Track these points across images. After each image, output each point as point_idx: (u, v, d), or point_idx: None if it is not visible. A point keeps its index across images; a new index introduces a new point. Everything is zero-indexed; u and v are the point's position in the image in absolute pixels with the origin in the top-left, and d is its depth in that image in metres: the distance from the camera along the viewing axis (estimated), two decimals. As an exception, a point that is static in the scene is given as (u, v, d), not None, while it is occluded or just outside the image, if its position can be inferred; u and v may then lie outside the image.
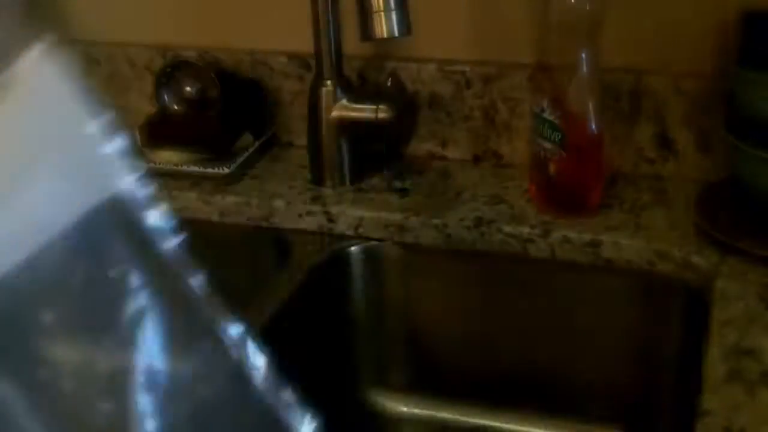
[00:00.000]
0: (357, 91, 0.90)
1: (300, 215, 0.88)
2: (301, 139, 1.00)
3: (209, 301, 0.36)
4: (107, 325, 0.34)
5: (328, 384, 0.86)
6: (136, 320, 0.34)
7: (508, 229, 0.82)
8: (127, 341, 0.34)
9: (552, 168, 0.81)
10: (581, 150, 0.80)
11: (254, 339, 0.36)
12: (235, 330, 0.36)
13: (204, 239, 0.94)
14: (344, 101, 0.87)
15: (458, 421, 0.91)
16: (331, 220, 0.88)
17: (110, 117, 0.34)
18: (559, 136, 0.79)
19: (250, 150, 0.96)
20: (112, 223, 0.34)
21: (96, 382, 0.34)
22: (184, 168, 0.93)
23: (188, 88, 0.96)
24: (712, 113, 0.84)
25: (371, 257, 0.86)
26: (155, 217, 0.35)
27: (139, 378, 0.34)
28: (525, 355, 0.87)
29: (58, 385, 0.33)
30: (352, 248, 0.83)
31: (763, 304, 0.69)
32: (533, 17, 0.79)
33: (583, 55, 0.77)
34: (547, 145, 0.80)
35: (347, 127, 0.88)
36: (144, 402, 0.34)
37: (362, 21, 0.68)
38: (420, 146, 0.96)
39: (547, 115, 0.79)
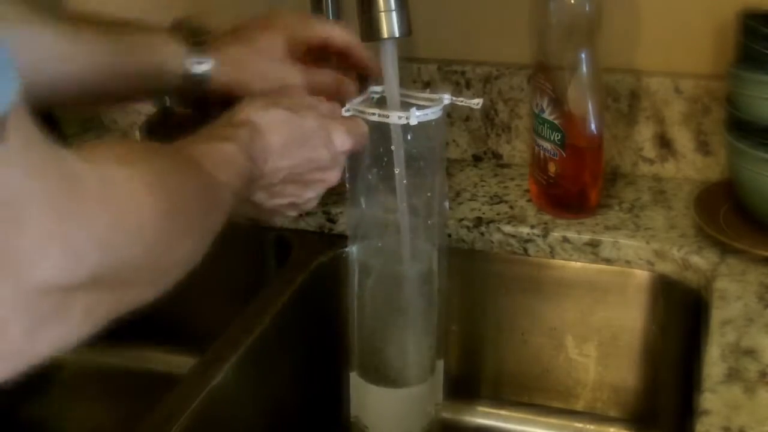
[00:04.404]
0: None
1: (300, 215, 0.88)
2: (302, 139, 1.00)
3: None
4: None
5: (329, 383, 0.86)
6: None
7: (508, 229, 0.82)
8: None
9: (552, 168, 0.81)
10: (581, 150, 0.80)
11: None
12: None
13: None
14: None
15: (460, 421, 0.91)
16: (331, 220, 0.88)
17: None
18: (559, 136, 0.79)
19: (251, 150, 0.96)
20: None
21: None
22: (185, 168, 0.93)
23: (189, 88, 0.96)
24: (711, 113, 0.85)
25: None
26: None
27: None
28: (525, 355, 0.87)
29: None
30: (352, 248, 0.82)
31: (762, 304, 0.69)
32: (533, 17, 0.79)
33: (583, 55, 0.77)
34: (547, 145, 0.80)
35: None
36: None
37: (362, 21, 0.68)
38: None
39: (547, 115, 0.79)
